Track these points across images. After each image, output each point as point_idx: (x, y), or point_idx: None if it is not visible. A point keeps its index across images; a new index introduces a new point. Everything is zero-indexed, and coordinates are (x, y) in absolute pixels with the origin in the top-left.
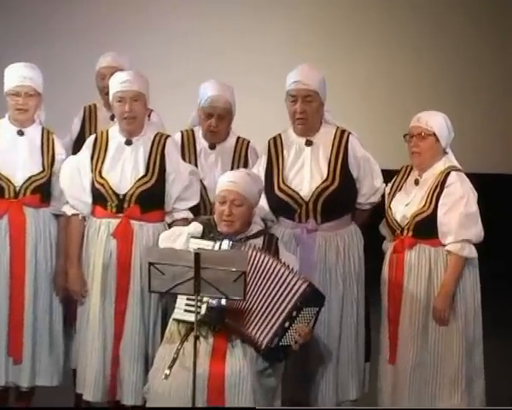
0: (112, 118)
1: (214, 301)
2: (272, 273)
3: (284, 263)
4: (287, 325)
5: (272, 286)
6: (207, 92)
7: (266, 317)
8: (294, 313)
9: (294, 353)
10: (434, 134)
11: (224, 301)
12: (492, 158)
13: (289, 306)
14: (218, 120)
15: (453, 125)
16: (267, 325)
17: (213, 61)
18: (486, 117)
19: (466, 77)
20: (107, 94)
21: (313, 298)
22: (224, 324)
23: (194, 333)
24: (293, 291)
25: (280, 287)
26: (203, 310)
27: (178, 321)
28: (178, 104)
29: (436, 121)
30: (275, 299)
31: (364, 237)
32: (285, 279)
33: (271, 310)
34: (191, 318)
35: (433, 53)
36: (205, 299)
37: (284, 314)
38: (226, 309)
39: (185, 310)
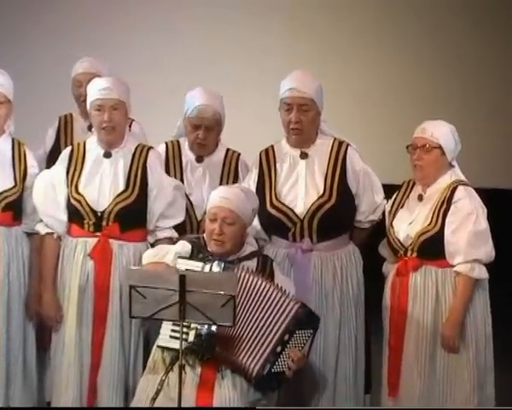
0: (89, 128)
1: (204, 328)
2: (264, 296)
3: (277, 286)
4: (279, 350)
5: (264, 310)
6: (194, 102)
7: (257, 343)
8: (286, 337)
9: (288, 380)
10: (440, 147)
11: (214, 328)
12: (501, 171)
13: (281, 329)
14: (206, 131)
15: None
16: (258, 352)
17: (203, 68)
18: (489, 122)
19: (468, 81)
20: (84, 102)
21: (306, 320)
22: (213, 352)
23: (179, 362)
24: (284, 314)
25: (272, 310)
26: (191, 337)
27: (163, 349)
28: (164, 115)
29: (442, 133)
30: (266, 323)
31: (364, 257)
32: (277, 302)
33: (263, 335)
34: (177, 345)
35: (434, 56)
36: (193, 325)
37: (276, 339)
38: (217, 336)
39: (171, 337)
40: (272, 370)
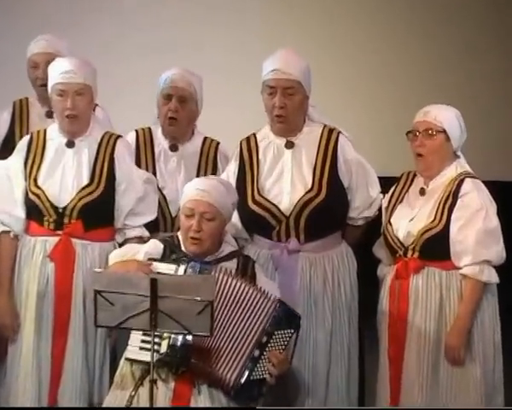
0: (48, 115)
1: (179, 337)
2: (243, 299)
3: (258, 287)
4: (257, 354)
5: (242, 314)
6: (167, 74)
7: (234, 350)
8: (264, 339)
9: (271, 387)
10: (444, 131)
11: (189, 337)
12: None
13: (258, 332)
14: (179, 103)
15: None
16: (235, 359)
17: (181, 53)
18: (496, 110)
19: (474, 65)
20: (42, 86)
21: (285, 319)
22: (188, 364)
23: (150, 376)
24: (262, 315)
25: (250, 313)
26: (163, 348)
27: (132, 361)
28: (135, 103)
29: (447, 117)
30: (244, 327)
31: (358, 259)
32: (255, 303)
33: (240, 341)
34: (147, 357)
35: (438, 40)
36: (166, 334)
37: (253, 343)
38: (192, 346)
39: (141, 348)
40: (251, 377)
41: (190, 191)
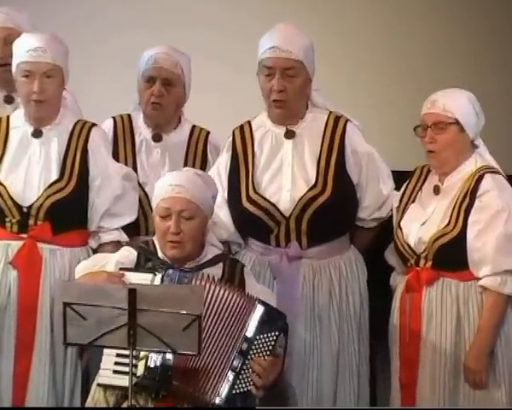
0: (7, 100)
1: (158, 358)
2: (227, 308)
3: (246, 294)
4: (237, 364)
5: (226, 323)
6: (150, 52)
7: (216, 364)
8: (245, 347)
9: (261, 399)
10: (457, 121)
11: (170, 357)
12: None
13: (239, 339)
14: (163, 86)
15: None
16: (216, 374)
17: (167, 30)
18: None
19: (494, 42)
20: (1, 66)
21: (268, 321)
22: (170, 388)
23: (128, 402)
24: (243, 320)
25: (233, 321)
26: (140, 370)
27: (105, 387)
28: (113, 86)
29: (458, 104)
30: (227, 338)
31: (368, 266)
32: (238, 309)
33: (222, 353)
34: (123, 381)
35: (456, 20)
36: (142, 354)
37: (234, 352)
38: (173, 366)
39: (114, 371)
40: (234, 391)
41: (164, 188)
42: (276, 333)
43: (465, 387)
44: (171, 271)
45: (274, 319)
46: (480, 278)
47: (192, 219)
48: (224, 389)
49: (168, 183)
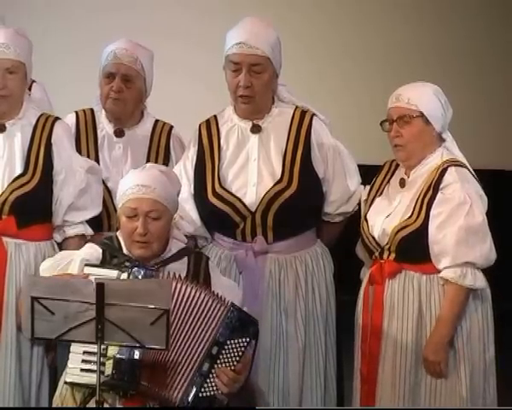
0: None
1: (125, 356)
2: (194, 307)
3: (212, 292)
4: (206, 367)
5: (193, 323)
6: (111, 47)
7: (183, 365)
8: (215, 351)
9: (222, 403)
10: (422, 114)
11: (137, 355)
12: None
13: (208, 342)
14: (123, 82)
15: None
16: (183, 375)
17: (133, 14)
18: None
19: (479, 45)
20: None
21: (239, 326)
22: (138, 388)
23: (96, 397)
24: (213, 323)
25: (201, 322)
26: (108, 370)
27: (73, 385)
28: (76, 76)
29: (422, 97)
30: (195, 339)
31: (335, 261)
32: (208, 310)
33: (189, 354)
34: (91, 380)
35: (438, 12)
36: (110, 352)
37: (202, 354)
38: (140, 366)
39: (82, 369)
40: (200, 394)
41: (129, 188)
42: (247, 339)
43: (426, 381)
44: (136, 269)
45: (246, 325)
46: (441, 271)
47: (159, 220)
48: (190, 392)
49: (134, 182)
